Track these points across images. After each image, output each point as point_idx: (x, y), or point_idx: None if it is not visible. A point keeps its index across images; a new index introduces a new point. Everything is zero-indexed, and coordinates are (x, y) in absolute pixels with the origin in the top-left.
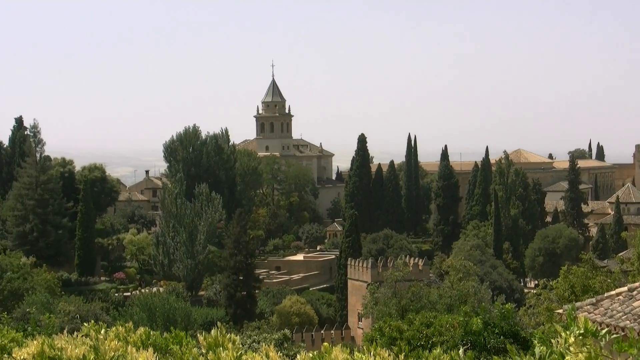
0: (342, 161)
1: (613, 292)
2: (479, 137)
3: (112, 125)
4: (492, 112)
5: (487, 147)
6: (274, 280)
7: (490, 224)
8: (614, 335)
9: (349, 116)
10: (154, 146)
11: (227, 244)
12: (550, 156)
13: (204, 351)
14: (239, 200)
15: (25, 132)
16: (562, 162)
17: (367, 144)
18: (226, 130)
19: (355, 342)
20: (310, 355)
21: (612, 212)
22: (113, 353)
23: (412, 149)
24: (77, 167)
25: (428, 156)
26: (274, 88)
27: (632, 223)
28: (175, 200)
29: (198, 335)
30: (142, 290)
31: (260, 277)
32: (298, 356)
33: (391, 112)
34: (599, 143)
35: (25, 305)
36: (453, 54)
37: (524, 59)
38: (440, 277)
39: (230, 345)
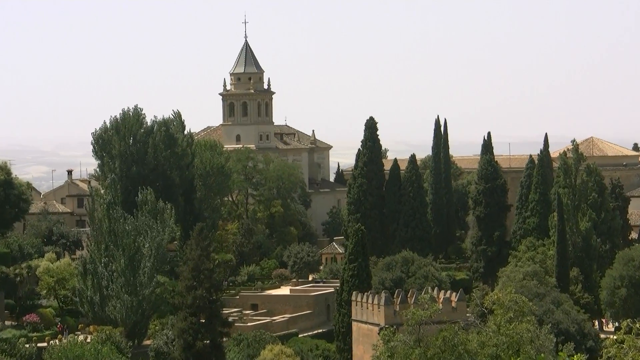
0: (344, 156)
1: None
2: (534, 122)
3: (20, 110)
4: (552, 87)
5: (546, 134)
6: (249, 324)
7: (552, 242)
8: None
9: (352, 94)
10: (79, 137)
11: (183, 273)
12: (636, 147)
13: None
14: (199, 212)
15: None
16: None
17: (378, 132)
18: (180, 114)
19: None
20: None
21: None
22: None
23: (441, 138)
24: None
25: (464, 148)
26: (248, 54)
27: None
28: (108, 212)
29: None
30: (64, 340)
31: (230, 319)
32: None
33: (411, 87)
34: None
35: None
36: (493, 8)
37: (597, 17)
38: (481, 317)
39: None
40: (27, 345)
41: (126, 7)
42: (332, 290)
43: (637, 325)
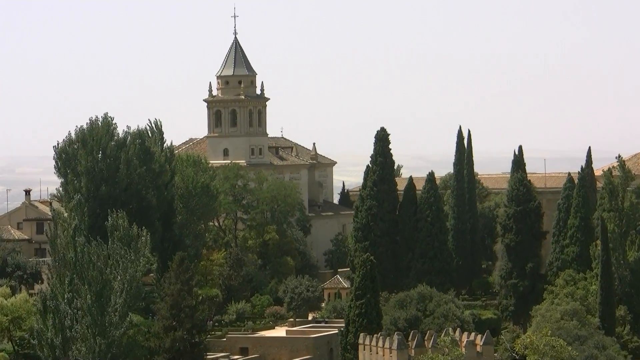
0: (350, 173)
1: None
2: (574, 134)
3: None
4: (594, 93)
5: (589, 148)
6: None
7: (595, 275)
8: None
9: (360, 101)
10: (39, 151)
11: (161, 310)
12: None
13: None
14: (179, 239)
15: None
16: None
17: (390, 145)
18: (158, 124)
19: None
20: None
21: None
22: None
23: (464, 153)
24: None
25: (490, 164)
26: (237, 54)
27: None
28: (73, 238)
29: None
30: None
31: None
32: None
33: (429, 92)
34: None
35: None
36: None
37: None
38: None
39: None
40: None
41: (87, 11)
42: (335, 331)
43: None
